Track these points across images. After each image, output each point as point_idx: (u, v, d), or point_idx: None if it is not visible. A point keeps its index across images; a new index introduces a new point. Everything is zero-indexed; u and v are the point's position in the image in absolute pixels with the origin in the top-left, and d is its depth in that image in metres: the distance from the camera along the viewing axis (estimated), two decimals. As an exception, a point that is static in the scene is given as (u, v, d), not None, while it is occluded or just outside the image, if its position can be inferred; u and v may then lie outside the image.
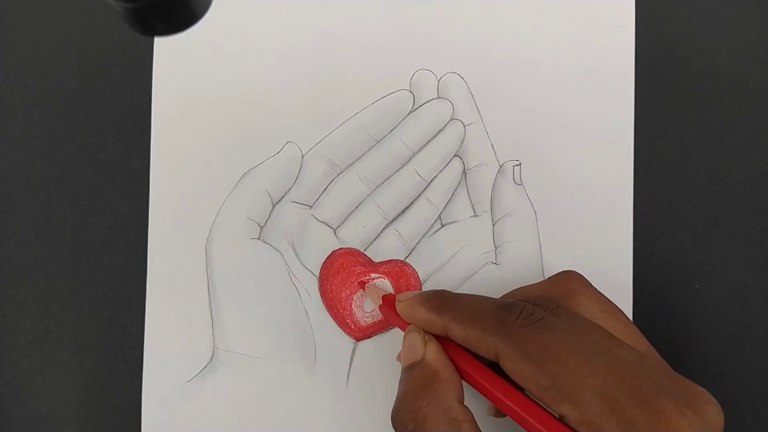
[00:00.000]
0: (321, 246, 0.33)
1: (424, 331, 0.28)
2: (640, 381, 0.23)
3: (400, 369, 0.28)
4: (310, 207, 0.34)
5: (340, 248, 0.33)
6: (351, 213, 0.33)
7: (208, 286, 0.33)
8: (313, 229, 0.33)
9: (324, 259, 0.33)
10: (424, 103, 0.34)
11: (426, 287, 0.33)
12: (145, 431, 0.33)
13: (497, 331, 0.25)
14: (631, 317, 0.32)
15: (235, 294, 0.33)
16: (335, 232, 0.33)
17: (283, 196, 0.34)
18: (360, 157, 0.34)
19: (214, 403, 0.33)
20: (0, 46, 0.35)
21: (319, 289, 0.33)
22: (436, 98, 0.34)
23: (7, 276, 0.34)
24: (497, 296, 0.32)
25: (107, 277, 0.34)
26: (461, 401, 0.26)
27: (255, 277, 0.33)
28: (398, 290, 0.33)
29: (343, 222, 0.33)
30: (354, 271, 0.33)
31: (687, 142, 0.34)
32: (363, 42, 0.34)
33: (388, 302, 0.30)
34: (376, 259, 0.33)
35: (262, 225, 0.33)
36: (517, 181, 0.33)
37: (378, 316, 0.33)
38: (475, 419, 0.25)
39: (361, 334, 0.33)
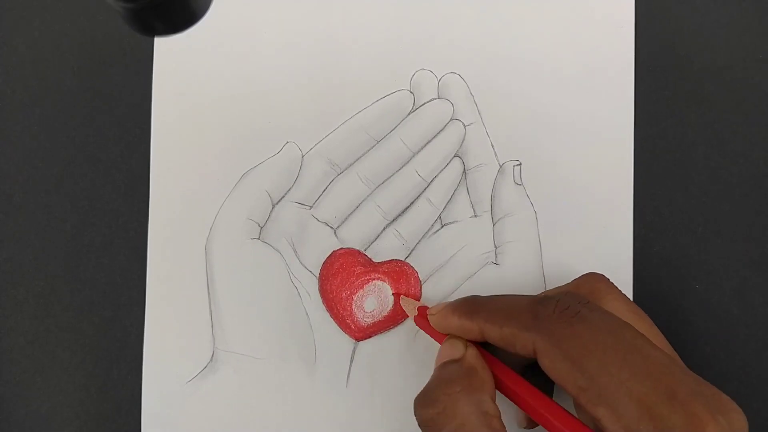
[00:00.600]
0: (321, 246, 0.33)
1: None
2: (674, 384, 0.22)
3: (434, 368, 0.27)
4: (310, 207, 0.34)
5: (340, 248, 0.33)
6: (351, 213, 0.33)
7: (207, 286, 0.33)
8: (313, 229, 0.33)
9: (324, 260, 0.33)
10: (424, 103, 0.34)
11: (426, 287, 0.33)
12: (144, 431, 0.33)
13: (533, 326, 0.25)
14: (631, 317, 0.32)
15: (235, 294, 0.33)
16: (335, 232, 0.33)
17: (283, 196, 0.34)
18: (360, 157, 0.34)
19: (214, 404, 0.33)
20: (0, 46, 0.35)
21: (319, 290, 0.33)
22: (436, 98, 0.34)
23: (7, 276, 0.34)
24: (497, 296, 0.32)
25: (107, 277, 0.34)
26: (493, 400, 0.26)
27: (255, 278, 0.33)
28: (398, 290, 0.33)
29: (343, 222, 0.33)
30: (354, 271, 0.33)
31: (687, 142, 0.34)
32: (363, 42, 0.34)
33: (422, 315, 0.30)
34: (376, 259, 0.33)
35: (262, 225, 0.33)
36: (517, 181, 0.33)
37: (378, 316, 0.33)
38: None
39: (361, 334, 0.33)
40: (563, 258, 0.33)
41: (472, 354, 0.27)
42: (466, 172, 0.34)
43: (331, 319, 0.33)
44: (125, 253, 0.34)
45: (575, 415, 0.25)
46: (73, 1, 0.35)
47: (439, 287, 0.33)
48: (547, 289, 0.32)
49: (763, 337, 0.33)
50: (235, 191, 0.33)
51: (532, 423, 0.27)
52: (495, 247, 0.33)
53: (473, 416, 0.24)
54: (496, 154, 0.34)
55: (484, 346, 0.28)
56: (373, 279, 0.33)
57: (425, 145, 0.34)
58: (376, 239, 0.33)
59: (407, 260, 0.33)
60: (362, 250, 0.33)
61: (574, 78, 0.34)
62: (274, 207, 0.33)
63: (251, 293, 0.33)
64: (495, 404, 0.25)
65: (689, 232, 0.34)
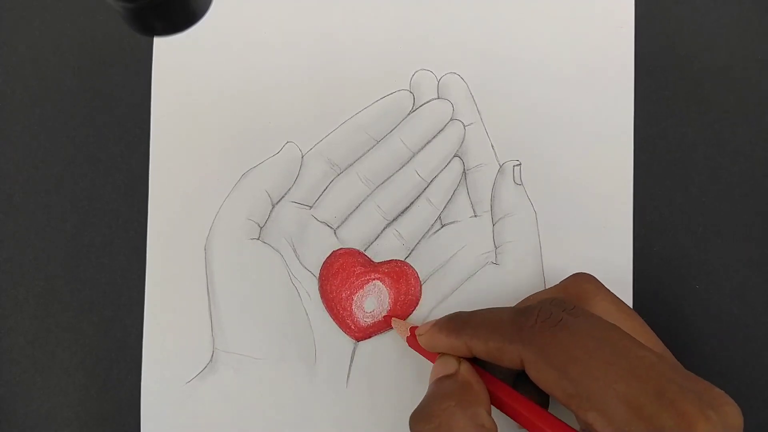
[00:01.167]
0: (321, 246, 0.33)
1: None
2: (662, 383, 0.22)
3: (429, 384, 0.27)
4: (310, 207, 0.34)
5: (340, 248, 0.33)
6: (351, 213, 0.33)
7: (207, 286, 0.33)
8: (313, 229, 0.33)
9: (324, 260, 0.33)
10: (424, 104, 0.34)
11: (426, 287, 0.33)
12: (144, 431, 0.33)
13: (517, 338, 0.25)
14: (631, 317, 0.32)
15: (235, 294, 0.33)
16: (335, 232, 0.33)
17: (282, 196, 0.34)
18: (360, 157, 0.34)
19: (213, 404, 0.33)
20: (0, 46, 0.35)
21: (319, 290, 0.33)
22: (436, 98, 0.34)
23: (7, 276, 0.34)
24: (498, 297, 0.32)
25: (107, 277, 0.34)
26: (489, 413, 0.26)
27: (255, 278, 0.33)
28: (398, 290, 0.33)
29: (343, 222, 0.33)
30: (354, 271, 0.33)
31: (687, 142, 0.34)
32: (363, 42, 0.34)
33: (414, 335, 0.30)
34: (376, 259, 0.33)
35: (261, 225, 0.33)
36: (517, 181, 0.33)
37: (378, 316, 0.33)
38: None
39: (361, 334, 0.33)
40: (563, 258, 0.33)
41: (466, 368, 0.27)
42: (466, 172, 0.34)
43: (331, 320, 0.33)
44: (125, 253, 0.34)
45: (570, 425, 0.25)
46: (73, 1, 0.35)
47: (439, 287, 0.33)
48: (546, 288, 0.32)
49: (763, 337, 0.33)
50: (234, 191, 0.33)
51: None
52: (495, 247, 0.33)
53: (469, 430, 0.24)
54: (496, 154, 0.34)
55: (474, 360, 0.28)
56: (373, 279, 0.33)
57: (425, 145, 0.34)
58: (376, 239, 0.33)
59: (407, 260, 0.33)
60: (362, 250, 0.33)
61: (574, 78, 0.34)
62: (273, 207, 0.33)
63: (251, 293, 0.33)
64: (491, 417, 0.25)
65: (689, 232, 0.34)
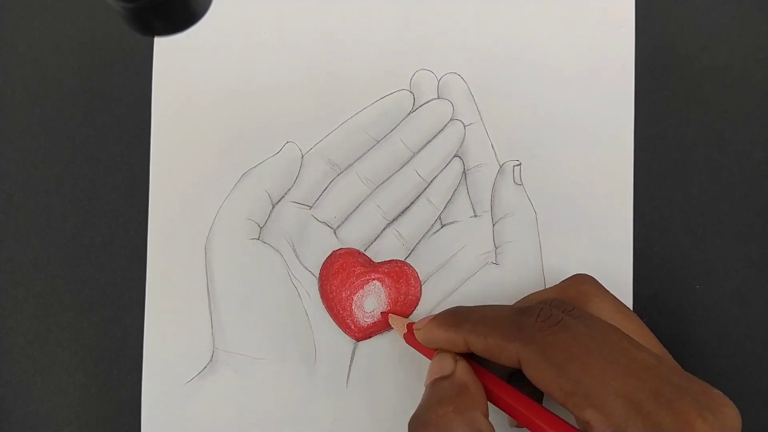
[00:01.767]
0: (321, 246, 0.33)
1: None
2: (660, 383, 0.22)
3: (425, 386, 0.27)
4: (310, 207, 0.34)
5: (340, 248, 0.33)
6: (351, 213, 0.33)
7: (207, 286, 0.33)
8: (313, 229, 0.33)
9: (324, 260, 0.33)
10: (424, 104, 0.34)
11: (426, 287, 0.33)
12: (145, 431, 0.33)
13: (517, 336, 0.25)
14: (631, 317, 0.32)
15: (235, 294, 0.33)
16: (335, 233, 0.33)
17: (282, 196, 0.34)
18: (360, 157, 0.34)
19: (213, 404, 0.33)
20: (0, 46, 0.35)
21: (319, 290, 0.33)
22: (436, 98, 0.34)
23: (7, 276, 0.34)
24: (498, 297, 0.32)
25: (107, 277, 0.34)
26: (486, 416, 0.25)
27: (255, 278, 0.33)
28: (398, 291, 0.33)
29: (343, 222, 0.33)
30: (354, 271, 0.33)
31: (687, 142, 0.34)
32: (363, 42, 0.34)
33: (411, 332, 0.30)
34: (376, 259, 0.33)
35: (261, 225, 0.33)
36: (517, 181, 0.33)
37: (378, 316, 0.33)
38: None
39: (361, 334, 0.33)
40: (563, 258, 0.33)
41: (463, 369, 0.27)
42: (466, 172, 0.34)
43: (331, 320, 0.33)
44: (125, 253, 0.34)
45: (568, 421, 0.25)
46: (73, 1, 0.35)
47: (439, 287, 0.33)
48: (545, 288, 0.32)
49: (763, 337, 0.33)
50: (234, 191, 0.33)
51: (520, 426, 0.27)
52: (495, 247, 0.33)
53: None
54: (496, 154, 0.34)
55: (471, 355, 0.28)
56: (373, 279, 0.33)
57: (425, 145, 0.34)
58: (376, 239, 0.33)
59: (407, 260, 0.33)
60: (362, 250, 0.33)
61: (574, 78, 0.34)
62: (273, 207, 0.33)
63: (251, 293, 0.33)
64: (488, 421, 0.25)
65: (689, 232, 0.34)
